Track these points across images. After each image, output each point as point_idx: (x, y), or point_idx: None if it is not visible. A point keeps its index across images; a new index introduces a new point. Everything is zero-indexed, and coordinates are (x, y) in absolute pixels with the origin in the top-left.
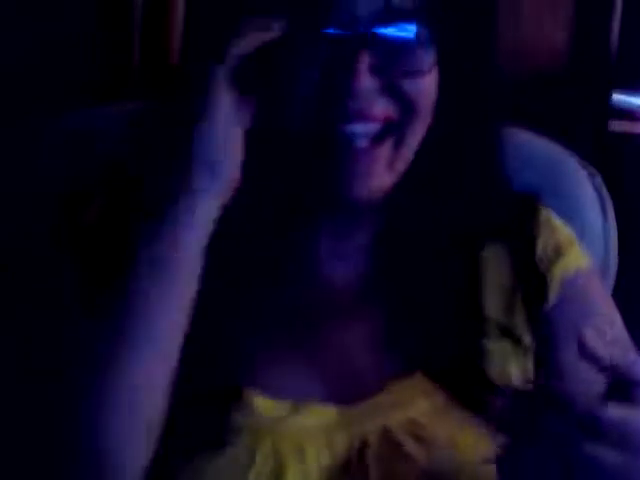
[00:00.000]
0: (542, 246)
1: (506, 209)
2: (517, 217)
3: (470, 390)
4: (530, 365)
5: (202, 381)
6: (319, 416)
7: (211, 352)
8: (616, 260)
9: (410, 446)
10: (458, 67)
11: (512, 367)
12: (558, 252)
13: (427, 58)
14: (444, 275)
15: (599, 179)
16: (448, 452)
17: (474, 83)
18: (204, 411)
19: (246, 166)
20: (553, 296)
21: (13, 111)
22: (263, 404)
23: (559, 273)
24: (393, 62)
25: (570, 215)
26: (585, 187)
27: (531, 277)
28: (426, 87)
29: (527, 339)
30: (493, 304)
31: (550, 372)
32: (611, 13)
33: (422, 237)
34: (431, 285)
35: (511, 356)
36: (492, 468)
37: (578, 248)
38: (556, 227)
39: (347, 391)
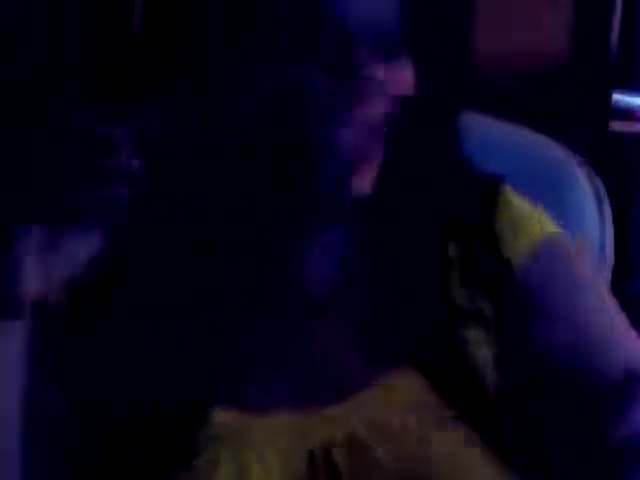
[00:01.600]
0: (500, 226)
1: (468, 194)
2: (478, 201)
3: (450, 383)
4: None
5: (166, 398)
6: (281, 423)
7: (176, 367)
8: (612, 258)
9: (379, 449)
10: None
11: (488, 352)
12: (515, 228)
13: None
14: (416, 267)
15: (597, 178)
16: (419, 455)
17: (437, 74)
18: (168, 427)
19: (223, 168)
20: (516, 271)
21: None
22: (225, 417)
23: (516, 251)
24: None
25: (566, 213)
26: (582, 185)
27: (493, 259)
28: (404, 83)
29: (490, 314)
30: (461, 292)
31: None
32: (611, 13)
33: (392, 231)
34: (404, 278)
35: (486, 341)
36: (467, 467)
37: (539, 222)
38: (513, 205)
39: (325, 396)
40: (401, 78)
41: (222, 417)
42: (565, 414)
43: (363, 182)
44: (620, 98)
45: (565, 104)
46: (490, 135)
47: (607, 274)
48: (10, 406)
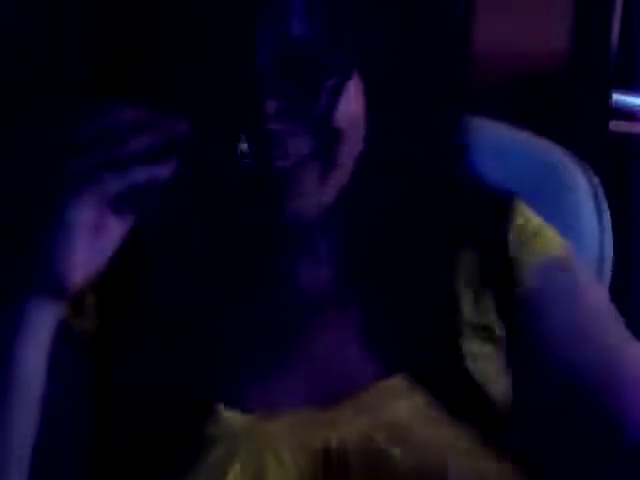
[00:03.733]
0: (510, 242)
1: (478, 208)
2: (489, 216)
3: (452, 391)
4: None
5: (174, 398)
6: (291, 422)
7: (183, 368)
8: (611, 259)
9: (392, 450)
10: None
11: (493, 367)
12: (523, 244)
13: (341, 85)
14: (419, 276)
15: (595, 178)
16: (431, 455)
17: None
18: (176, 427)
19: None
20: (521, 287)
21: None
22: (234, 417)
23: (525, 265)
24: (302, 101)
25: (564, 214)
26: (580, 185)
27: (500, 274)
28: (347, 114)
29: (501, 334)
30: (468, 305)
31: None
32: (611, 13)
33: (392, 239)
34: (405, 287)
35: (491, 356)
36: (473, 469)
37: (548, 237)
38: (524, 220)
39: (326, 396)
40: (347, 109)
41: (231, 416)
42: (580, 429)
43: (314, 201)
44: (620, 98)
45: (565, 104)
46: (488, 137)
47: (607, 275)
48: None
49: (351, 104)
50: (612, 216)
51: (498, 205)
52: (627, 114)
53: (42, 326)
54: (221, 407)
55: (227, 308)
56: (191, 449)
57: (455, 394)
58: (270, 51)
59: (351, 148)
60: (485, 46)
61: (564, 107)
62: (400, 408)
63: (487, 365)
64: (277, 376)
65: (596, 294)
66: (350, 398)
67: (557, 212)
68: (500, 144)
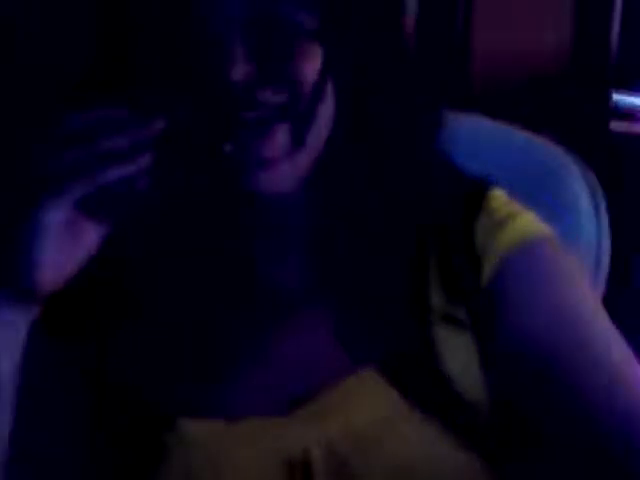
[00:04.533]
0: (477, 231)
1: (450, 197)
2: (460, 205)
3: (424, 385)
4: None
5: (133, 403)
6: (254, 428)
7: (142, 371)
8: (608, 258)
9: (357, 463)
10: (369, 49)
11: (466, 359)
12: (489, 233)
13: (304, 39)
14: (387, 266)
15: (593, 178)
16: (398, 469)
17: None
18: (134, 434)
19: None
20: (489, 274)
21: None
22: (194, 423)
23: (489, 255)
24: (270, 47)
25: (562, 214)
26: (578, 186)
27: (468, 264)
28: (308, 69)
29: (472, 325)
30: (438, 297)
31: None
32: (611, 13)
33: (361, 229)
34: (374, 278)
35: (463, 348)
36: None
37: (519, 225)
38: (493, 209)
39: (294, 397)
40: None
41: (191, 424)
42: (556, 411)
43: (282, 174)
44: (620, 98)
45: (565, 104)
46: (487, 136)
47: (603, 275)
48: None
49: (318, 64)
50: (610, 216)
51: (471, 194)
52: (627, 114)
53: (12, 327)
54: (182, 416)
55: (191, 307)
56: (149, 457)
57: (426, 388)
58: (239, 9)
59: (321, 111)
60: (485, 46)
61: (564, 107)
62: (369, 409)
63: (459, 358)
64: (241, 379)
65: (579, 281)
66: (317, 398)
67: (555, 212)
68: (499, 144)
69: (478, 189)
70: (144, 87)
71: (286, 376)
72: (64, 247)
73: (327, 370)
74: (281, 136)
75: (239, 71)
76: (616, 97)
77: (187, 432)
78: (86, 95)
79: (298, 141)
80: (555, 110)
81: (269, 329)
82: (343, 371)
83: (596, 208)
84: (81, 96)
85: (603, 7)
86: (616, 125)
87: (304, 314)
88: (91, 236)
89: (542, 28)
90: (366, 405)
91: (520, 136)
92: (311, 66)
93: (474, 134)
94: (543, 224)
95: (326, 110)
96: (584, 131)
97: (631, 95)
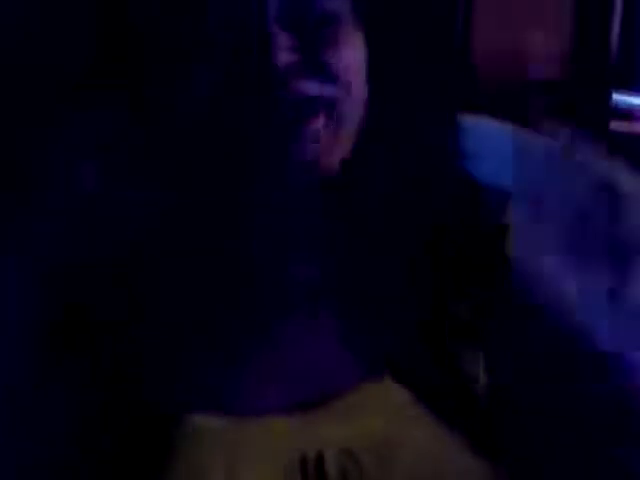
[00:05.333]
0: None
1: (469, 205)
2: (480, 212)
3: (437, 389)
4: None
5: (142, 401)
6: (268, 427)
7: (154, 369)
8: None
9: (370, 466)
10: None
11: (479, 364)
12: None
13: (349, 31)
14: (404, 271)
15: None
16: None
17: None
18: (144, 432)
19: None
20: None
21: None
22: (208, 421)
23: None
24: (312, 37)
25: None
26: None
27: (485, 273)
28: (351, 61)
29: (486, 331)
30: (453, 302)
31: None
32: (611, 13)
33: (378, 233)
34: (376, 278)
35: (477, 354)
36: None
37: None
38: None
39: (308, 399)
40: (346, 62)
41: (205, 421)
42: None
43: (333, 153)
44: (620, 98)
45: (565, 104)
46: (488, 137)
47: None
48: None
49: (350, 52)
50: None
51: (490, 204)
52: (627, 114)
53: None
54: (195, 413)
55: (192, 307)
56: (159, 455)
57: (440, 392)
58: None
59: (354, 102)
60: (486, 47)
61: (564, 107)
62: (383, 412)
63: (473, 362)
64: (254, 378)
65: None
66: (332, 401)
67: None
68: (499, 144)
69: (499, 200)
70: (145, 87)
71: (288, 376)
72: None
73: (331, 370)
74: (316, 123)
75: (282, 58)
76: (616, 97)
77: (199, 428)
78: (86, 95)
79: (332, 132)
80: (555, 110)
81: (271, 329)
82: (355, 378)
83: None
84: (81, 96)
85: (603, 7)
86: (616, 125)
87: (307, 314)
88: None
89: (542, 28)
90: (381, 408)
91: (520, 136)
92: (352, 60)
93: (475, 134)
94: None
95: (359, 100)
96: (584, 131)
97: (631, 95)
